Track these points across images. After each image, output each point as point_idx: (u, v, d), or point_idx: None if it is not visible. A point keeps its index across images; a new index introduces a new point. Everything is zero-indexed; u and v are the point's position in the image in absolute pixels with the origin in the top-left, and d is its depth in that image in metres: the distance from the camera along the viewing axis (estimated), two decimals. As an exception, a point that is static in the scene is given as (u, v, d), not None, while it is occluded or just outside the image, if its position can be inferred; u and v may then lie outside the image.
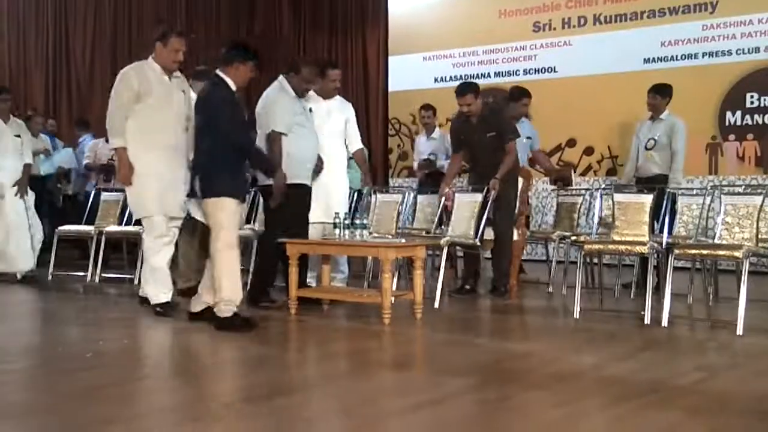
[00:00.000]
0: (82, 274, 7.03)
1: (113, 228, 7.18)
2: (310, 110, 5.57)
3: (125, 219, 7.33)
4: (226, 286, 4.45)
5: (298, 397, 3.14)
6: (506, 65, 9.68)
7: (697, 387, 3.32)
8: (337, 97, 5.97)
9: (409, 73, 10.41)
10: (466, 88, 6.02)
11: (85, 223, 7.36)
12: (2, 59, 10.70)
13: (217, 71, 4.75)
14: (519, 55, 9.71)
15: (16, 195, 6.86)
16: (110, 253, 7.34)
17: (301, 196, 5.35)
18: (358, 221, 5.12)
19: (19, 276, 6.78)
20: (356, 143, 5.99)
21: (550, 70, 9.52)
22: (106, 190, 7.62)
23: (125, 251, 7.59)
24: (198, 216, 4.76)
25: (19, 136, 6.98)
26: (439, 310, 5.36)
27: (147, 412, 2.91)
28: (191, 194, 4.70)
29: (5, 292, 6.41)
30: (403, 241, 5.11)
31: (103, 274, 6.91)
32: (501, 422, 2.86)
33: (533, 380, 3.55)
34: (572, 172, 7.75)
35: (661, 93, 6.69)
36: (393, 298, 4.79)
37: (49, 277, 7.01)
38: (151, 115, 4.96)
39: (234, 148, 4.61)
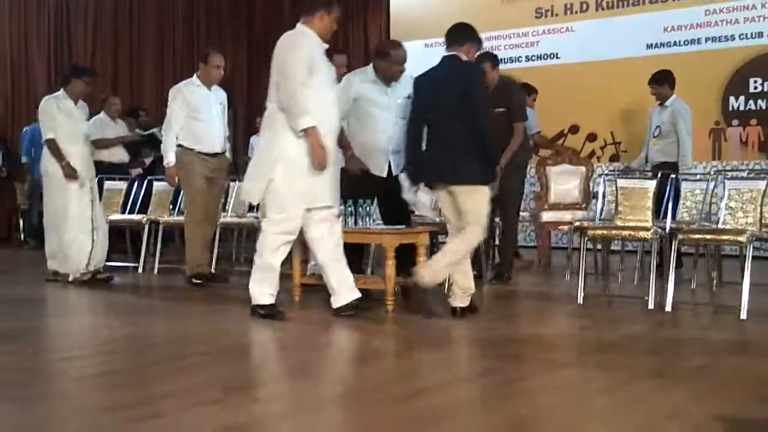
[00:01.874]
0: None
1: (117, 216, 7.22)
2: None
3: (128, 208, 7.38)
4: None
5: (299, 383, 3.15)
6: (508, 51, 9.64)
7: (700, 371, 3.33)
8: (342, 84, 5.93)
9: (411, 60, 10.24)
10: (483, 58, 5.67)
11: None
12: (3, 49, 10.67)
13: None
14: (521, 42, 9.68)
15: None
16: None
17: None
18: (361, 208, 5.12)
19: (71, 278, 6.00)
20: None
21: (552, 56, 9.50)
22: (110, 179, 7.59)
23: (128, 240, 7.59)
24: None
25: (88, 120, 6.58)
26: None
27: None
28: (438, 177, 4.49)
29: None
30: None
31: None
32: (505, 406, 2.86)
33: (537, 364, 3.56)
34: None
35: (658, 81, 6.71)
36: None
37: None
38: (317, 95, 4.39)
39: (482, 132, 4.39)
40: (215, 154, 6.01)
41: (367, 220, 5.08)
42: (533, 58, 9.56)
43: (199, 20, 12.18)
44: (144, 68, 11.56)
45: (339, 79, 5.84)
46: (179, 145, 5.90)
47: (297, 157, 4.34)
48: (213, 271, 6.20)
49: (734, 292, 4.93)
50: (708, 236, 4.95)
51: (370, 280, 5.41)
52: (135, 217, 7.27)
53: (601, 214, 5.78)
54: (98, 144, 7.70)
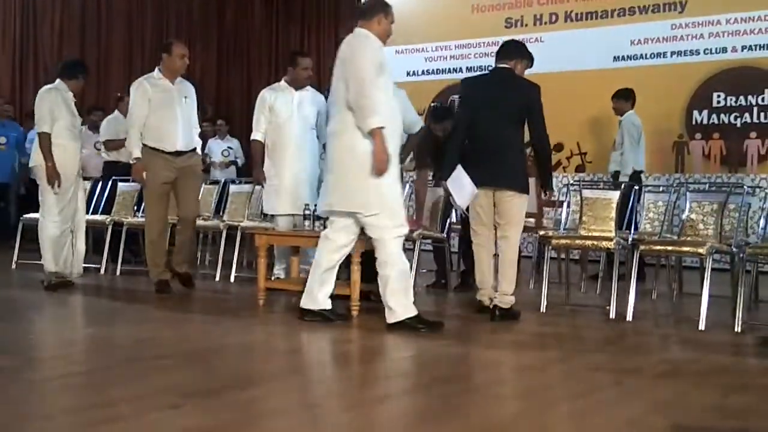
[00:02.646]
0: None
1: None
2: None
3: (92, 208, 7.27)
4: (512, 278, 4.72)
5: (263, 388, 3.13)
6: (478, 60, 9.71)
7: (659, 381, 3.37)
8: (309, 88, 5.93)
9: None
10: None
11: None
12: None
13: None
14: (491, 51, 9.68)
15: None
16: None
17: None
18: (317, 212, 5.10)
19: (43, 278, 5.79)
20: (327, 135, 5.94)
21: (520, 65, 9.56)
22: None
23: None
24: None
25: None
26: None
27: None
28: (489, 181, 4.62)
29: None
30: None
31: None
32: (467, 413, 2.88)
33: (499, 372, 3.58)
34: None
35: (620, 96, 7.20)
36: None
37: (13, 266, 6.90)
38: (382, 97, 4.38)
39: (546, 147, 4.83)
40: (180, 153, 5.62)
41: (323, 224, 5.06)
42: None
43: (168, 20, 12.08)
44: (111, 68, 11.42)
45: (305, 83, 5.84)
46: (143, 144, 5.59)
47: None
48: (182, 270, 5.81)
49: (694, 303, 5.01)
50: (669, 248, 5.02)
51: (336, 285, 5.39)
52: (98, 217, 7.17)
53: (565, 223, 5.83)
54: (109, 145, 7.66)
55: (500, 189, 4.70)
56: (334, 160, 4.36)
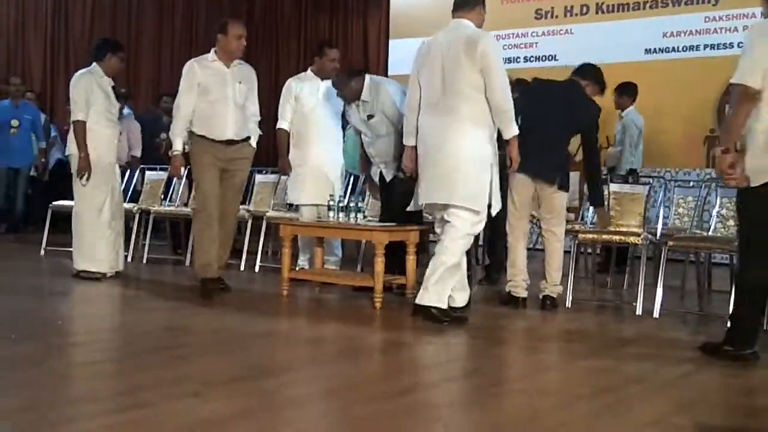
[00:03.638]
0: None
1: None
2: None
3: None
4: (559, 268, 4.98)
5: (284, 378, 3.13)
6: (507, 52, 9.61)
7: (685, 379, 3.32)
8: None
9: (410, 57, 10.25)
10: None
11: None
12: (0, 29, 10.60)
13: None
14: (520, 42, 9.66)
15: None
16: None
17: None
18: (352, 204, 5.10)
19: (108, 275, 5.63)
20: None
21: (550, 57, 9.47)
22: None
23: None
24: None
25: (124, 96, 6.06)
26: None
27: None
28: (553, 180, 4.85)
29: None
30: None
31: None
32: (489, 408, 2.86)
33: (521, 368, 3.55)
34: None
35: (618, 90, 7.15)
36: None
37: (42, 252, 6.98)
38: None
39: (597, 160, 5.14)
40: (231, 142, 5.17)
41: (358, 216, 5.07)
42: (531, 59, 9.53)
43: (198, 9, 12.11)
44: (141, 48, 11.45)
45: (331, 73, 5.81)
46: (190, 132, 5.18)
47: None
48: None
49: (723, 300, 4.93)
50: (699, 243, 4.94)
51: (359, 277, 5.40)
52: (126, 205, 7.21)
53: (592, 218, 5.77)
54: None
55: (543, 182, 4.84)
56: (455, 155, 4.31)
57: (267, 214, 6.64)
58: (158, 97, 9.11)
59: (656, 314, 4.71)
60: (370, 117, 5.22)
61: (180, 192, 7.41)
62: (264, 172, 7.45)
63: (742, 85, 3.46)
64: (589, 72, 5.16)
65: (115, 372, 3.22)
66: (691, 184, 6.34)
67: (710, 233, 5.07)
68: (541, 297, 4.96)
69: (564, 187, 4.92)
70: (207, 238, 5.13)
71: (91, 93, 5.50)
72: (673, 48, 8.65)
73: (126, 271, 5.89)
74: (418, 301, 4.37)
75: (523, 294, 4.92)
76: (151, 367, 3.21)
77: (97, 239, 5.54)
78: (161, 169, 7.27)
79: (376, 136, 5.28)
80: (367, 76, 5.30)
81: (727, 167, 3.48)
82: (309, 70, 5.97)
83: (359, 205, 5.15)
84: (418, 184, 4.54)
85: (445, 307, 4.35)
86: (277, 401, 2.76)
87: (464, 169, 4.31)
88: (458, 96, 4.30)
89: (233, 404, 2.66)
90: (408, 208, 4.69)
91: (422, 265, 5.29)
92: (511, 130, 4.34)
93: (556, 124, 4.87)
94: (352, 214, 5.06)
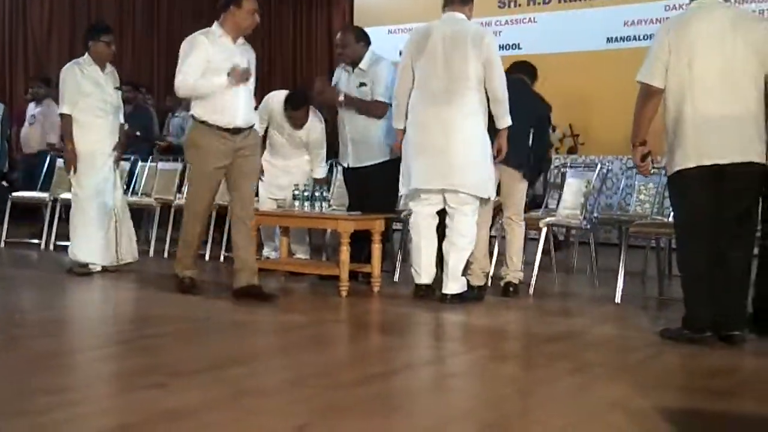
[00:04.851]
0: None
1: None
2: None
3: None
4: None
5: (252, 367, 3.13)
6: (471, 41, 9.65)
7: (646, 363, 3.39)
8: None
9: (374, 46, 10.31)
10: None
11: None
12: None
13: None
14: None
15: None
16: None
17: None
18: (317, 193, 5.10)
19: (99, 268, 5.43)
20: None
21: (514, 46, 9.53)
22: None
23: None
24: None
25: (119, 88, 5.63)
26: (398, 283, 5.37)
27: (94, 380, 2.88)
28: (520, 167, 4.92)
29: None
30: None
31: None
32: (451, 395, 2.89)
33: (485, 354, 3.58)
34: None
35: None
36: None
37: (1, 245, 6.87)
38: None
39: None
40: (239, 130, 4.58)
41: (323, 205, 5.07)
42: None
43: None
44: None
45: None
46: (191, 116, 4.66)
47: None
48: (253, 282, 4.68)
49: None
50: (658, 230, 5.02)
51: (324, 266, 5.40)
52: (144, 199, 7.05)
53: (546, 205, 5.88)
54: None
55: (511, 169, 4.89)
56: (463, 143, 4.49)
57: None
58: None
59: (618, 299, 4.78)
60: (362, 84, 5.17)
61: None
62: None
63: (645, 83, 3.69)
64: (529, 70, 5.28)
65: (78, 363, 3.18)
66: (652, 171, 6.41)
67: (670, 219, 5.15)
68: (502, 284, 5.00)
69: (527, 176, 5.00)
70: (193, 243, 4.72)
71: (77, 85, 5.32)
72: (635, 36, 8.76)
73: (138, 265, 5.72)
74: (449, 291, 4.57)
75: (480, 282, 4.88)
76: (116, 358, 3.18)
77: (93, 231, 5.37)
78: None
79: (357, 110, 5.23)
80: (370, 48, 5.29)
81: (639, 160, 3.77)
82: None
83: (324, 194, 5.15)
84: (411, 168, 4.60)
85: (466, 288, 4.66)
86: (245, 391, 2.75)
87: (473, 157, 4.52)
88: (464, 86, 4.47)
89: (200, 395, 2.65)
90: (401, 193, 4.79)
91: (387, 254, 5.34)
92: (507, 120, 4.54)
93: (517, 118, 4.83)
94: (317, 203, 5.06)
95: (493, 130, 4.61)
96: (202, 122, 4.54)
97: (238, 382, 2.86)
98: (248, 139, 4.62)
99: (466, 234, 4.58)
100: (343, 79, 5.31)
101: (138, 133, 6.21)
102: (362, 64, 5.18)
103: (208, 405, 2.54)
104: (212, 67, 4.47)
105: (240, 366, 3.12)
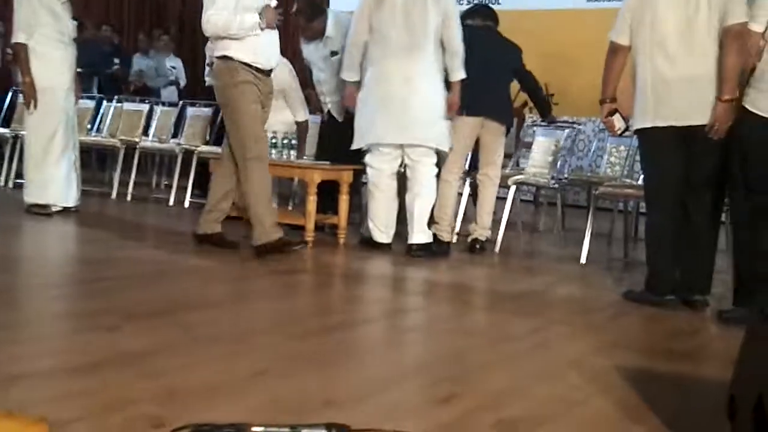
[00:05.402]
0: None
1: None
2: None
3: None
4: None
5: (210, 313, 3.06)
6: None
7: (609, 323, 3.38)
8: None
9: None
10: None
11: None
12: None
13: None
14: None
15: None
16: None
17: None
18: (285, 141, 4.99)
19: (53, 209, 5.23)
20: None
21: (493, 2, 9.37)
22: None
23: None
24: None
25: (76, 19, 5.30)
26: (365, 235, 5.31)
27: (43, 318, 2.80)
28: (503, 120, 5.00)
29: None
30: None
31: None
32: (414, 347, 2.86)
33: (449, 308, 3.56)
34: None
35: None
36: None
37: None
38: None
39: None
40: (269, 72, 4.34)
41: (290, 153, 4.97)
42: (472, 1, 9.42)
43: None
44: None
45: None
46: (225, 57, 4.20)
47: None
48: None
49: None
50: (625, 191, 5.02)
51: (290, 215, 5.32)
52: (166, 146, 6.83)
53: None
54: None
55: (493, 122, 4.90)
56: (424, 96, 4.51)
57: (198, 149, 6.46)
58: (97, 26, 8.77)
59: (583, 260, 4.78)
60: (333, 53, 5.10)
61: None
62: (197, 105, 7.24)
63: (611, 40, 3.70)
64: (493, 15, 5.14)
65: (29, 301, 3.09)
66: (619, 131, 6.39)
67: (639, 182, 5.14)
68: (469, 240, 4.97)
69: (509, 128, 5.04)
70: (266, 191, 4.29)
71: (33, 12, 4.99)
72: (615, -4, 8.65)
73: (100, 207, 5.55)
74: (416, 241, 4.60)
75: (448, 238, 4.89)
76: (68, 299, 3.10)
77: (50, 170, 5.16)
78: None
79: (333, 74, 5.14)
80: (330, 12, 5.15)
81: (604, 117, 3.78)
82: None
83: (292, 141, 5.05)
84: (370, 122, 4.55)
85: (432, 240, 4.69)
86: (201, 336, 2.68)
87: (434, 111, 4.55)
88: (425, 40, 4.47)
89: (154, 338, 2.58)
90: (357, 146, 4.66)
91: (355, 205, 5.27)
92: (461, 73, 4.54)
93: (496, 67, 4.86)
94: (285, 151, 4.96)
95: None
96: (244, 63, 4.18)
97: (195, 327, 2.79)
98: (270, 82, 4.41)
99: (428, 184, 4.61)
100: (314, 53, 5.28)
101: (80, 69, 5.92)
102: (328, 32, 5.11)
103: (162, 349, 2.47)
104: (242, 5, 4.13)
105: (197, 312, 3.06)
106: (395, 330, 3.13)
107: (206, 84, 6.86)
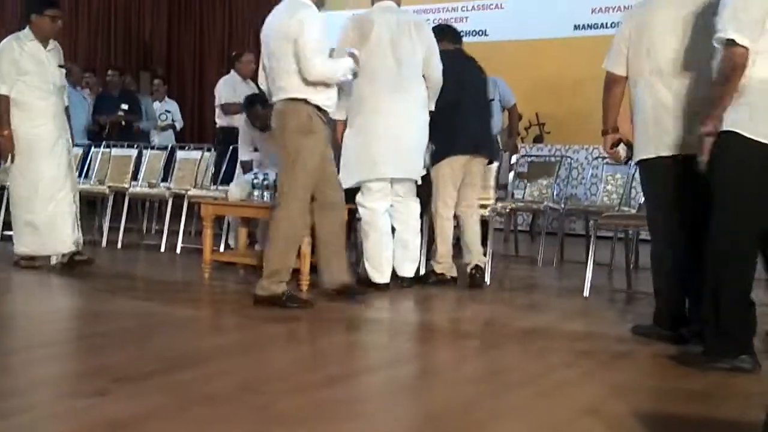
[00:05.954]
0: None
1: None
2: None
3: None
4: None
5: (202, 370, 2.93)
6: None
7: (619, 361, 3.26)
8: None
9: (337, 31, 10.11)
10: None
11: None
12: None
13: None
14: (450, 17, 9.50)
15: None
16: None
17: None
18: (267, 180, 4.90)
19: (54, 261, 5.08)
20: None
21: (481, 33, 9.38)
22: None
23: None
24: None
25: (63, 66, 5.17)
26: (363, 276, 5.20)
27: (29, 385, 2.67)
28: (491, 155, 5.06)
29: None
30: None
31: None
32: (418, 398, 2.73)
33: (451, 353, 3.44)
34: None
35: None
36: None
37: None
38: None
39: None
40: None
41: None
42: (462, 34, 9.31)
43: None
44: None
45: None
46: (297, 99, 4.04)
47: None
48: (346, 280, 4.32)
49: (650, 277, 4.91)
50: (626, 222, 4.92)
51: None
52: (156, 191, 6.75)
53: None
54: (227, 109, 6.76)
55: (483, 158, 4.95)
56: (415, 130, 4.57)
57: (188, 192, 6.35)
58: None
59: (586, 293, 4.66)
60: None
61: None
62: (187, 148, 7.15)
63: (608, 71, 3.66)
64: (459, 36, 5.21)
65: (10, 367, 2.95)
66: (624, 159, 6.33)
67: (638, 211, 5.05)
68: (469, 270, 4.86)
69: (492, 161, 5.08)
70: (294, 252, 4.19)
71: (15, 63, 4.83)
72: (602, 24, 8.65)
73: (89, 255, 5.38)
74: (407, 274, 4.69)
75: (454, 273, 4.87)
76: (55, 360, 2.97)
77: (34, 220, 4.95)
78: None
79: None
80: None
81: (608, 147, 3.75)
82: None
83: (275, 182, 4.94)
84: (361, 159, 4.49)
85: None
86: (193, 398, 2.55)
87: (420, 144, 4.62)
88: (413, 75, 4.52)
89: (142, 402, 2.44)
90: (350, 185, 4.54)
91: (349, 244, 5.16)
92: (432, 105, 4.66)
93: (473, 90, 4.89)
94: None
95: None
96: (317, 107, 4.06)
97: (187, 388, 2.65)
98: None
99: (417, 217, 4.73)
100: None
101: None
102: None
103: (152, 415, 2.34)
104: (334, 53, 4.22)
105: (190, 370, 2.91)
106: (398, 380, 2.99)
107: (217, 125, 6.88)
